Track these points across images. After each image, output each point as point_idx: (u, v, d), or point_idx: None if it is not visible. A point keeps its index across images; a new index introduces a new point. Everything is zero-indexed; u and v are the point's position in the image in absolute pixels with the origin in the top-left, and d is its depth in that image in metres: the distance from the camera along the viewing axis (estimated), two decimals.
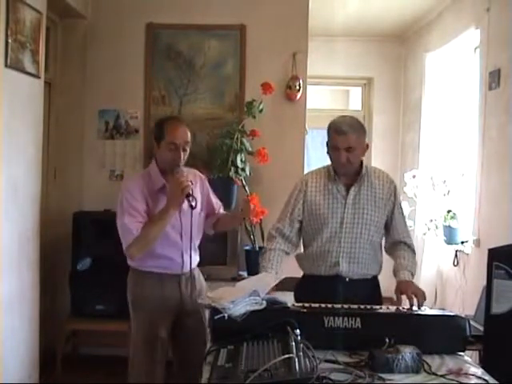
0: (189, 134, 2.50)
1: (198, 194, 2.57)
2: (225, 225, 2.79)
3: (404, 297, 2.19)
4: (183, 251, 2.53)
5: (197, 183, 2.61)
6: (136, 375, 2.59)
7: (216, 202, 2.77)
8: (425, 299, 2.14)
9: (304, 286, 2.52)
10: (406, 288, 2.20)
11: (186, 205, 2.43)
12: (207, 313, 2.53)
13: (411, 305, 2.10)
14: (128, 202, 2.43)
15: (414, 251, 2.49)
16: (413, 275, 2.37)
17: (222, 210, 2.79)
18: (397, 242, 2.49)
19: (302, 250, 2.57)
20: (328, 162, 2.49)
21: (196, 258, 2.66)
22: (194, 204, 2.39)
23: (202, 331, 2.58)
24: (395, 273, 2.39)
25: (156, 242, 2.44)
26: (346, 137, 2.32)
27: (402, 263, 2.39)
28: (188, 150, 2.50)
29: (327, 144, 2.45)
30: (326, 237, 2.42)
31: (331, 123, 2.40)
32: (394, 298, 2.24)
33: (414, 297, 2.13)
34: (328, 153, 2.44)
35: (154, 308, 2.52)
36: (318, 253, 2.44)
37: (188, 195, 2.37)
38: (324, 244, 2.42)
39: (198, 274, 2.69)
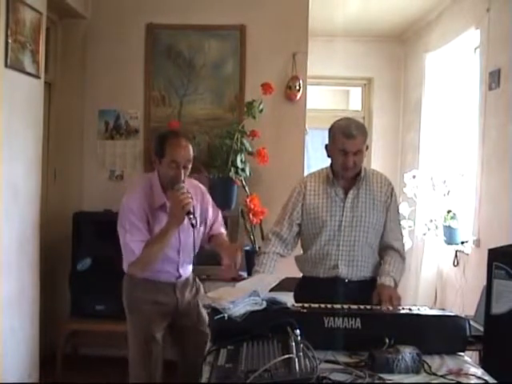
0: (191, 152, 2.44)
1: (197, 209, 2.55)
2: (215, 247, 2.70)
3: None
4: (179, 265, 2.56)
5: (197, 196, 2.59)
6: (135, 377, 2.60)
7: (213, 216, 2.70)
8: (399, 303, 2.17)
9: (303, 288, 2.52)
10: (383, 291, 2.25)
11: (186, 222, 2.41)
12: (205, 312, 2.58)
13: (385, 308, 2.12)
14: (129, 220, 2.41)
15: (402, 257, 2.48)
16: (395, 281, 2.38)
17: (221, 228, 2.72)
18: (387, 246, 2.49)
19: (302, 252, 2.57)
20: (327, 163, 2.48)
21: (190, 268, 2.66)
22: (194, 222, 2.37)
23: (201, 331, 2.59)
24: (379, 277, 2.40)
25: (157, 262, 2.43)
26: (356, 140, 2.30)
27: (385, 269, 2.40)
28: (189, 167, 2.45)
29: (326, 147, 2.43)
30: (324, 240, 2.42)
31: (337, 126, 2.36)
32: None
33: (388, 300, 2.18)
34: (329, 156, 2.43)
35: (149, 312, 2.54)
36: (317, 256, 2.44)
37: (189, 213, 2.34)
38: (323, 247, 2.42)
39: (192, 278, 2.70)
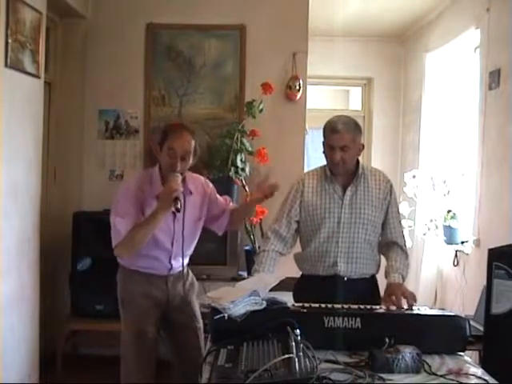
0: (192, 144, 2.46)
1: (197, 202, 2.57)
2: (240, 216, 2.73)
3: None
4: (171, 257, 2.54)
5: (198, 189, 2.60)
6: (126, 373, 2.59)
7: (223, 200, 2.71)
8: (415, 301, 2.15)
9: (303, 286, 2.52)
10: (395, 290, 2.23)
11: (180, 213, 2.42)
12: (197, 308, 2.61)
13: (398, 306, 2.11)
14: (121, 203, 2.44)
15: (406, 253, 2.49)
16: (403, 278, 2.38)
17: (232, 204, 2.75)
18: (390, 243, 2.49)
19: (300, 250, 2.57)
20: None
21: (185, 262, 2.64)
22: (179, 207, 2.35)
23: (194, 327, 2.59)
24: (386, 275, 2.40)
25: (143, 245, 2.41)
26: (341, 135, 2.33)
27: (393, 266, 2.40)
28: (189, 159, 2.46)
29: (323, 144, 2.45)
30: (323, 237, 2.42)
31: (327, 122, 2.41)
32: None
33: (403, 298, 2.15)
34: (324, 152, 2.45)
35: (141, 305, 2.54)
36: (316, 253, 2.44)
37: (176, 199, 2.34)
38: (322, 244, 2.43)
39: (186, 271, 2.68)
